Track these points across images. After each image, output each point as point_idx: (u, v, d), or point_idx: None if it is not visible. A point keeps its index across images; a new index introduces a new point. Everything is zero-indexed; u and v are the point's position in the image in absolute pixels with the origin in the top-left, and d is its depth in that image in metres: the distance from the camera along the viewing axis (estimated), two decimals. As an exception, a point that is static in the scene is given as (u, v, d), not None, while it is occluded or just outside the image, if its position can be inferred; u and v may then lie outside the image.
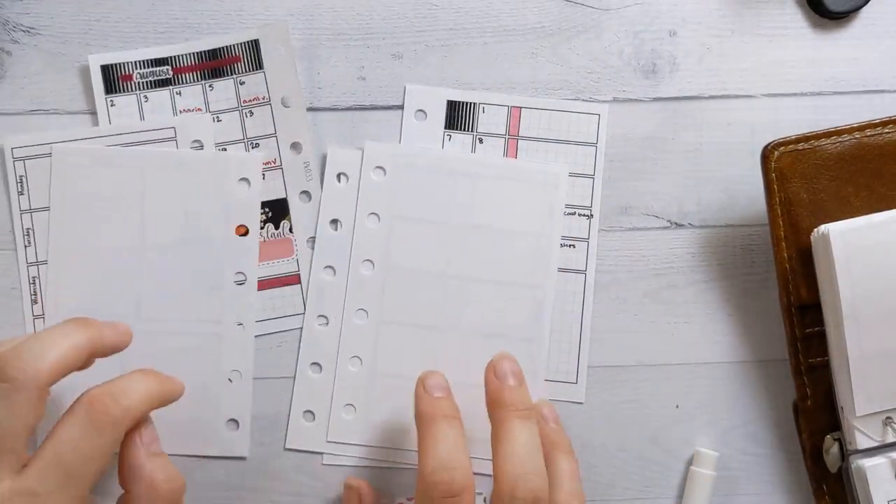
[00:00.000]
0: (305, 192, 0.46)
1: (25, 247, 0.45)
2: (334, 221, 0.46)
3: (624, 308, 0.46)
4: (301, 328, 0.45)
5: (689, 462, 0.46)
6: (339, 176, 0.46)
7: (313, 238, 0.46)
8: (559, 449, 0.42)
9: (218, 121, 0.45)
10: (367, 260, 0.45)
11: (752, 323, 0.46)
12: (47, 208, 0.45)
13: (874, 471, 0.41)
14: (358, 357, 0.45)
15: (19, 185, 0.45)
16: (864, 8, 0.46)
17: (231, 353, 0.45)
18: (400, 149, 0.46)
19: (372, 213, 0.45)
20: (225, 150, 0.45)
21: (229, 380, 0.45)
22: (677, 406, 0.46)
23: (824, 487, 0.44)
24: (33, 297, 0.45)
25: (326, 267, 0.46)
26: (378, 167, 0.45)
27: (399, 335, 0.45)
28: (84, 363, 0.38)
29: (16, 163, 0.45)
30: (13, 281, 0.45)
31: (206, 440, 0.45)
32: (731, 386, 0.46)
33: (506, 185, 0.46)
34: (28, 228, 0.45)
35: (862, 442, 0.41)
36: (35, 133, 0.45)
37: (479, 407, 0.42)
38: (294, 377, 0.45)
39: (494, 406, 0.40)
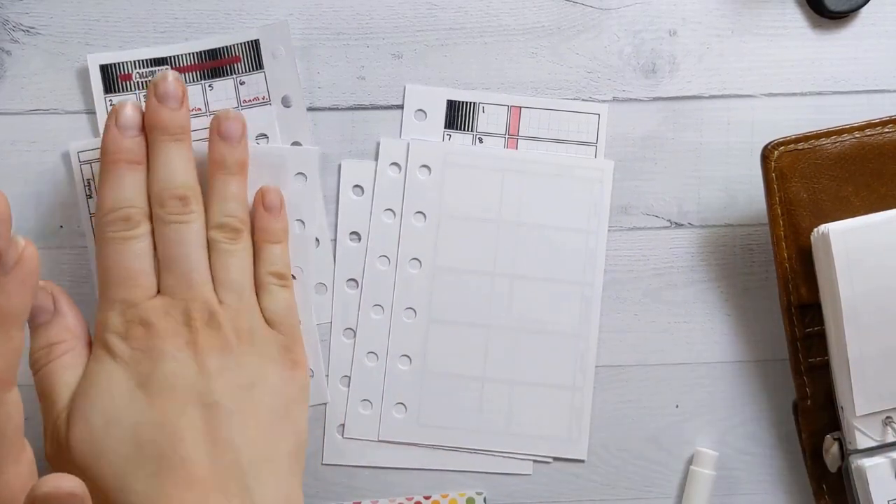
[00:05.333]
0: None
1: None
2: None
3: (624, 308, 0.46)
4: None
5: (689, 462, 0.46)
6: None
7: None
8: (225, 170, 0.42)
9: (218, 121, 0.45)
10: (415, 259, 0.45)
11: (752, 323, 0.46)
12: None
13: (874, 471, 0.41)
14: (407, 356, 0.45)
15: (87, 188, 0.44)
16: (864, 8, 0.46)
17: None
18: (444, 146, 0.45)
19: (418, 212, 0.45)
20: (298, 143, 0.45)
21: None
22: (677, 406, 0.46)
23: (824, 487, 0.44)
24: None
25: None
26: (423, 165, 0.45)
27: (448, 334, 0.45)
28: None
29: (83, 166, 0.44)
30: (87, 280, 0.45)
31: None
32: (731, 386, 0.46)
33: (551, 181, 0.45)
34: None
35: (862, 442, 0.41)
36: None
37: (528, 403, 0.44)
38: (350, 373, 0.45)
39: (150, 130, 0.41)
